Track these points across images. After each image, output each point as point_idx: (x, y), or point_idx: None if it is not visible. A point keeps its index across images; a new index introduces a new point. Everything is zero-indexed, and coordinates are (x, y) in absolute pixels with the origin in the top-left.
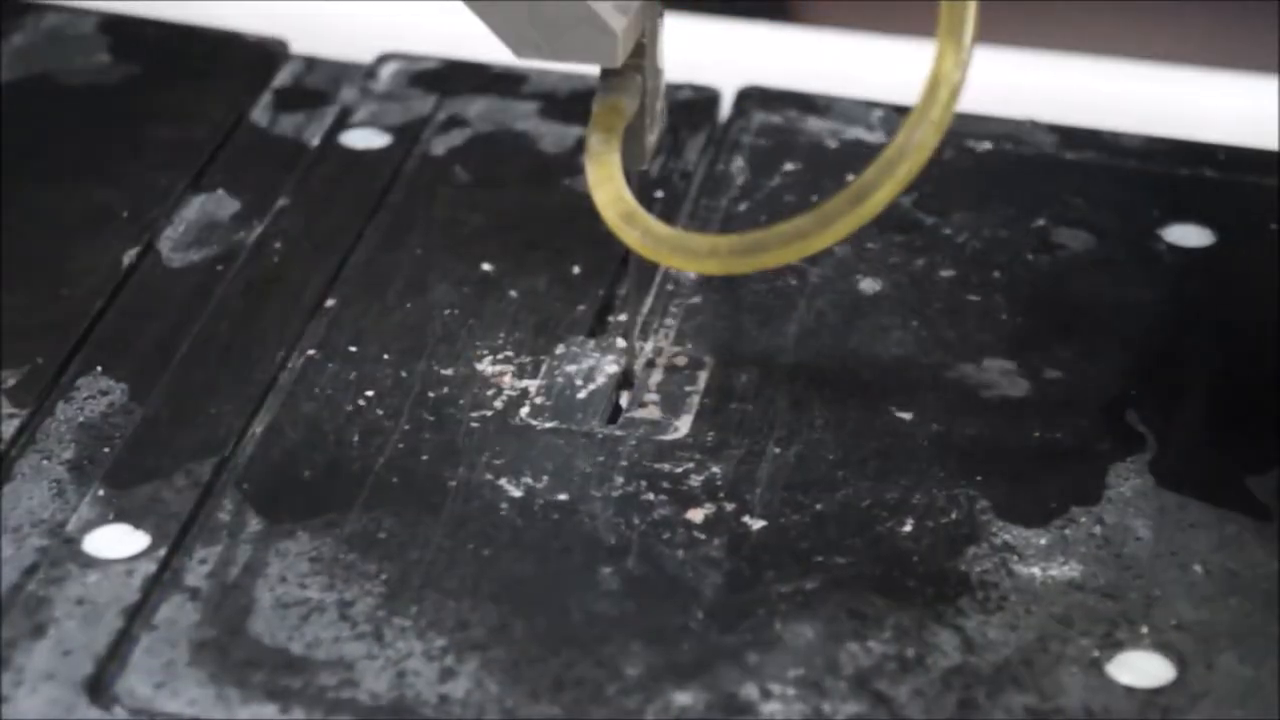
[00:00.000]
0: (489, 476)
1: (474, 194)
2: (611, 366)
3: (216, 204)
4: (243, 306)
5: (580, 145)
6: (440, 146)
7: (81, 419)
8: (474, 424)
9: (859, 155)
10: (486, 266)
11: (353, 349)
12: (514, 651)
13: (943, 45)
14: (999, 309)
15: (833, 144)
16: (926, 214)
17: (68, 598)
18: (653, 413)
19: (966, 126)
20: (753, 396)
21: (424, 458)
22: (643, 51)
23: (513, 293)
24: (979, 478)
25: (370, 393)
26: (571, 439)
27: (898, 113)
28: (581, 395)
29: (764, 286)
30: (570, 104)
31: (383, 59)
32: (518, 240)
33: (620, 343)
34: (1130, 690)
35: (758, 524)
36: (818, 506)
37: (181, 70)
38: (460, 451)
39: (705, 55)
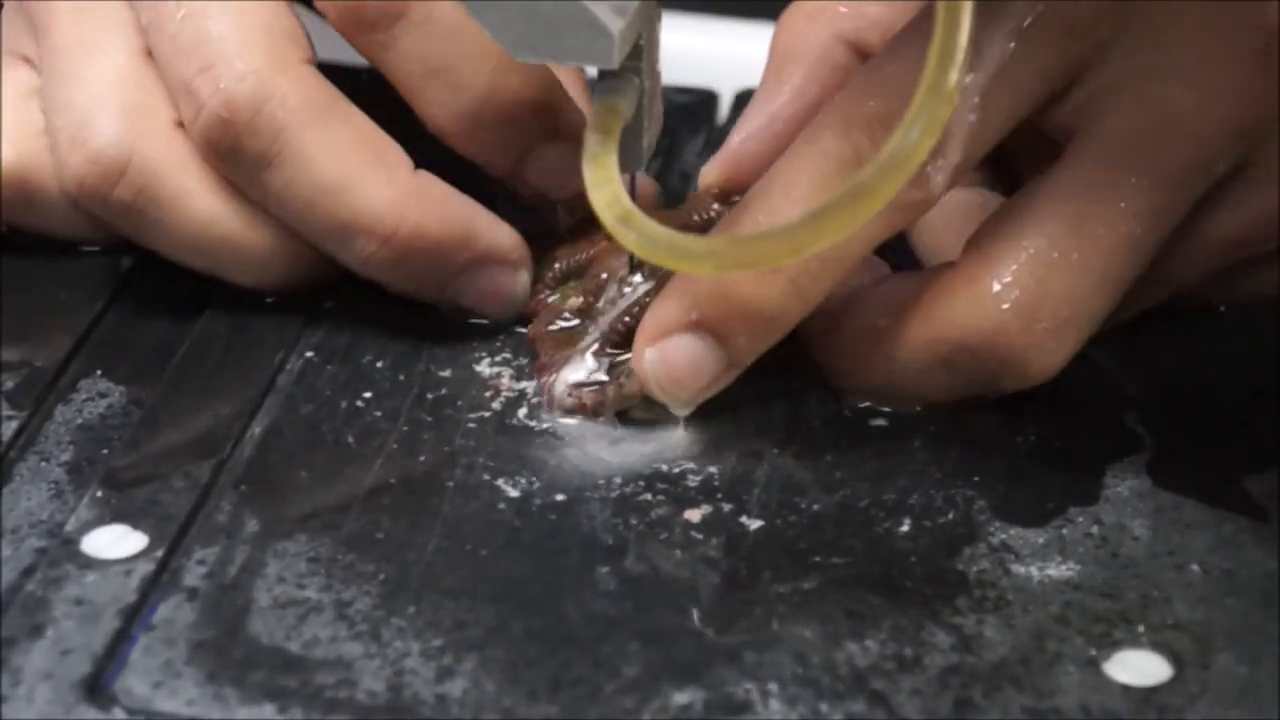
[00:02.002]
0: (486, 477)
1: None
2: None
3: None
4: (241, 308)
5: None
6: None
7: (80, 421)
8: (471, 425)
9: None
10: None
11: (351, 350)
12: (512, 651)
13: (938, 45)
14: None
15: None
16: None
17: (66, 598)
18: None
19: None
20: (750, 396)
21: (422, 458)
22: (640, 53)
23: None
24: (976, 478)
25: (368, 394)
26: (569, 439)
27: None
28: None
29: None
30: None
31: None
32: None
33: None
34: (1127, 689)
35: (755, 524)
36: (815, 506)
37: None
38: (458, 452)
39: (704, 57)
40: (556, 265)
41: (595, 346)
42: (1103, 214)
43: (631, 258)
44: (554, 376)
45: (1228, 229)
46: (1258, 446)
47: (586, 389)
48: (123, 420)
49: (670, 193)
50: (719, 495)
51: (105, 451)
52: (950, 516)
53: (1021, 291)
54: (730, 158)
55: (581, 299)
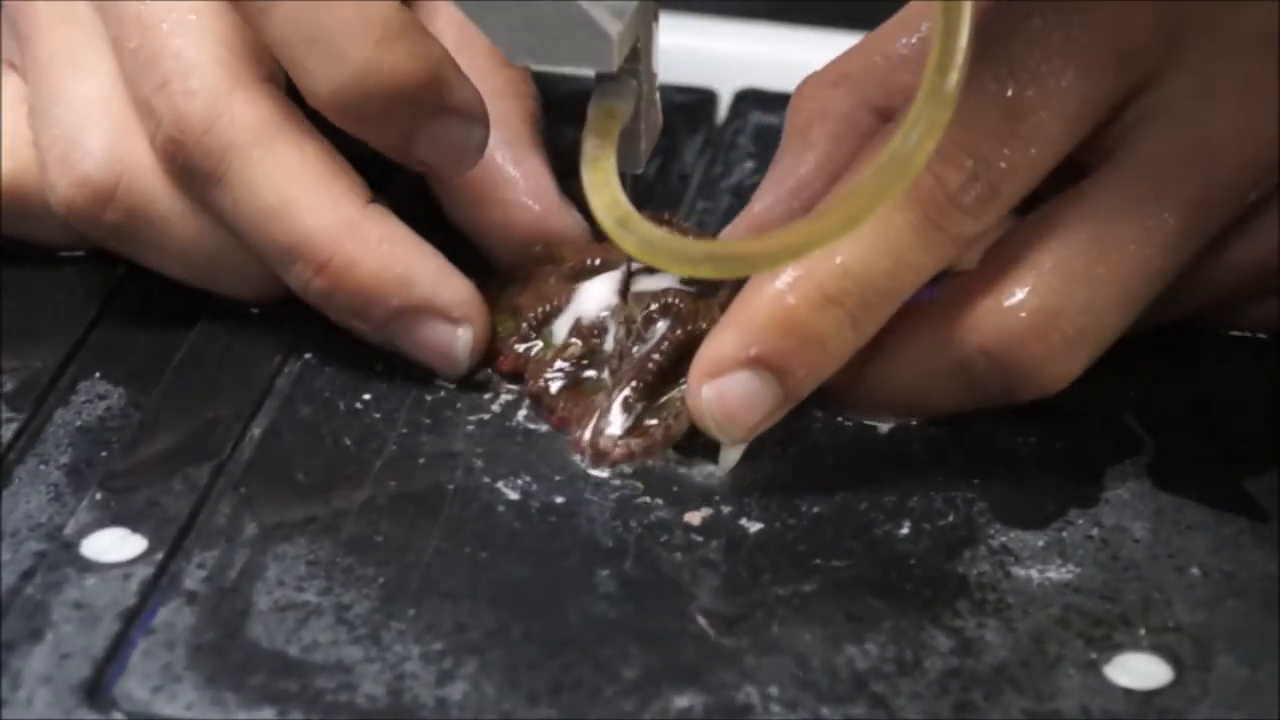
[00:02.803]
0: (486, 479)
1: None
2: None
3: None
4: (239, 310)
5: (576, 147)
6: None
7: (79, 423)
8: (471, 427)
9: None
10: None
11: (349, 352)
12: (512, 654)
13: (938, 47)
14: None
15: None
16: None
17: (65, 602)
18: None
19: None
20: None
21: (421, 461)
22: (638, 55)
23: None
24: (976, 480)
25: (367, 396)
26: (569, 442)
27: None
28: None
29: None
30: (566, 107)
31: None
32: None
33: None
34: (1128, 692)
35: (755, 526)
36: (815, 509)
37: None
38: (457, 454)
39: (703, 56)
40: (530, 315)
41: (628, 393)
42: (1130, 233)
43: (622, 289)
44: (589, 430)
45: (1248, 256)
46: (1258, 448)
47: (634, 438)
48: (122, 423)
49: (669, 193)
50: (718, 498)
51: (104, 454)
52: (950, 519)
53: (1040, 301)
54: (753, 226)
55: (580, 344)
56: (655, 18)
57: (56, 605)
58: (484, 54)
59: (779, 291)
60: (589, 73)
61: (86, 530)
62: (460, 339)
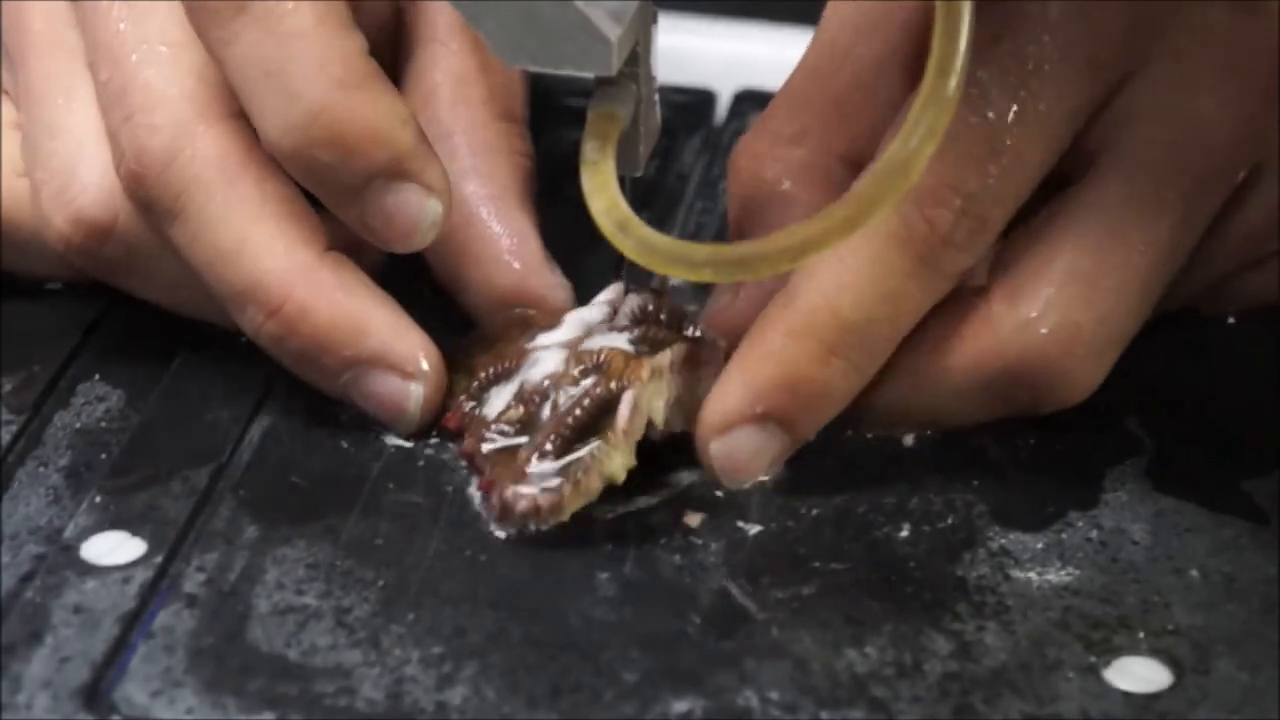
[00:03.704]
0: None
1: None
2: None
3: None
4: None
5: (575, 150)
6: None
7: (79, 425)
8: None
9: None
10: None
11: None
12: (511, 658)
13: (938, 47)
14: None
15: None
16: None
17: (65, 605)
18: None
19: None
20: None
21: (420, 463)
22: (636, 58)
23: None
24: (975, 482)
25: None
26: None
27: None
28: None
29: None
30: (565, 109)
31: None
32: None
33: None
34: (1127, 696)
35: (754, 529)
36: (814, 511)
37: None
38: (456, 457)
39: (702, 56)
40: (482, 374)
41: (549, 449)
42: (1139, 231)
43: (570, 349)
44: (503, 488)
45: (1245, 228)
46: (1257, 451)
47: (542, 492)
48: (121, 425)
49: (668, 193)
50: (718, 500)
51: (103, 457)
52: (949, 521)
53: (1060, 316)
54: (764, 292)
55: (521, 409)
56: (654, 20)
57: (56, 608)
58: (480, 105)
59: (780, 348)
60: (588, 75)
61: (86, 533)
62: (413, 394)
